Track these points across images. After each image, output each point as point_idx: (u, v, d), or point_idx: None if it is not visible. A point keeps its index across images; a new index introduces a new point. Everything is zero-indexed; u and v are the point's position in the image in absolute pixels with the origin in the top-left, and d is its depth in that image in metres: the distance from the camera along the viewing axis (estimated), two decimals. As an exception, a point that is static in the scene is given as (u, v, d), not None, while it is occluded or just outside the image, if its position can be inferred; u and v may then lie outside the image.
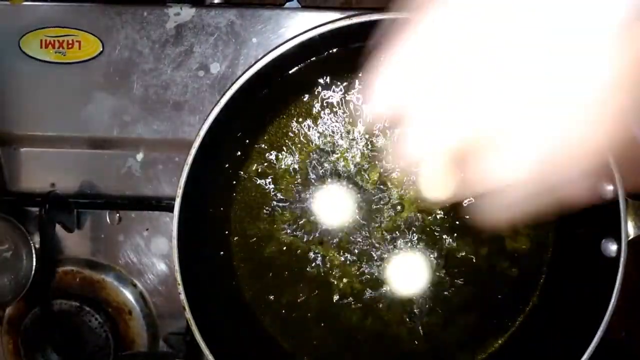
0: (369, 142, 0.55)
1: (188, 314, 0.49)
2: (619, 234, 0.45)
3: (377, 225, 0.55)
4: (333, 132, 0.55)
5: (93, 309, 0.60)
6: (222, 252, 0.56)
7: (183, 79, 0.58)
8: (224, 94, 0.47)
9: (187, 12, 0.58)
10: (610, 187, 0.46)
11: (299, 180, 0.55)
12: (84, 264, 0.62)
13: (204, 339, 0.49)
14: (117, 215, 0.61)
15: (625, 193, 0.45)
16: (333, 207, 0.55)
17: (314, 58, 0.51)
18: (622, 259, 0.45)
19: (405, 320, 0.55)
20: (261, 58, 0.47)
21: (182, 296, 0.48)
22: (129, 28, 0.58)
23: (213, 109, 0.47)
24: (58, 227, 0.59)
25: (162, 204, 0.59)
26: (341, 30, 0.45)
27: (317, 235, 0.55)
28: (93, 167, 0.61)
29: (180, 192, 0.48)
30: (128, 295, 0.62)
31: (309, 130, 0.55)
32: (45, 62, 0.59)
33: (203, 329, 0.49)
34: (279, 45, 0.47)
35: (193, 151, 0.47)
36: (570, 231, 0.52)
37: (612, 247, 0.46)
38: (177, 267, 0.48)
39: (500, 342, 0.54)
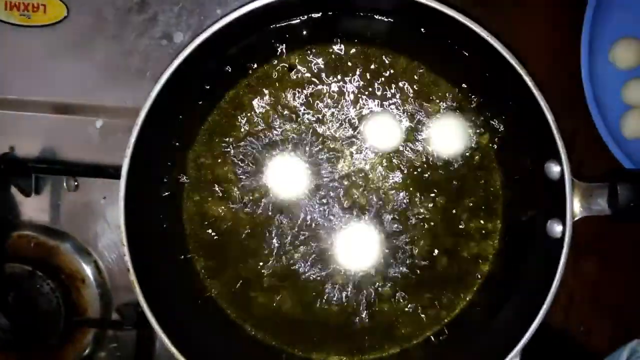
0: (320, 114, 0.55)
1: (132, 276, 0.48)
2: (564, 215, 0.45)
3: (331, 197, 0.55)
4: (292, 102, 0.55)
5: (46, 274, 0.60)
6: (174, 222, 0.55)
7: (146, 47, 0.58)
8: (177, 56, 0.47)
9: (154, -19, 0.58)
10: (557, 168, 0.46)
11: (254, 150, 0.55)
12: (39, 229, 0.61)
13: (147, 304, 0.48)
14: (74, 182, 0.61)
15: (571, 173, 0.45)
16: (287, 179, 0.55)
17: (269, 26, 0.51)
18: (566, 240, 0.45)
19: (358, 296, 0.55)
20: (215, 22, 0.47)
21: (127, 258, 0.48)
22: (95, -7, 0.58)
23: (166, 70, 0.47)
24: (16, 192, 0.59)
25: (120, 172, 0.58)
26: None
27: (270, 208, 0.55)
28: (54, 132, 0.61)
29: (129, 152, 0.47)
30: (82, 263, 0.61)
31: (264, 99, 0.55)
32: (9, 24, 0.59)
33: (148, 294, 0.49)
34: (234, 10, 0.47)
35: (143, 113, 0.47)
36: (519, 213, 0.52)
37: (558, 228, 0.46)
38: (122, 228, 0.48)
39: (446, 320, 0.54)
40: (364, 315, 0.54)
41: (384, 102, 0.54)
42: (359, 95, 0.54)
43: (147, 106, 0.47)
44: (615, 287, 0.63)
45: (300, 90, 0.54)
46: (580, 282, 0.62)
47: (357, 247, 0.54)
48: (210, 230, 0.55)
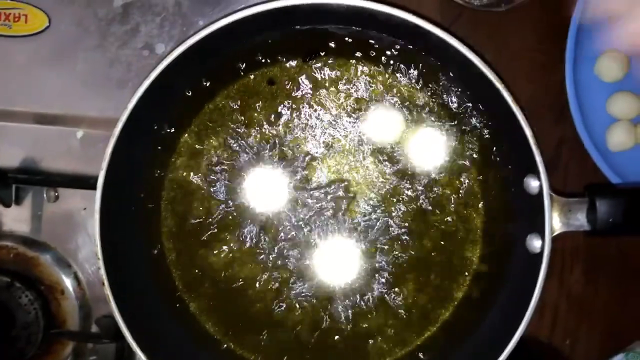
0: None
1: (107, 290, 0.48)
2: (544, 230, 0.45)
3: (312, 212, 0.54)
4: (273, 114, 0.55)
5: (25, 285, 0.59)
6: (152, 236, 0.55)
7: (128, 57, 0.58)
8: (155, 68, 0.46)
9: (136, -9, 0.58)
10: (536, 183, 0.46)
11: (233, 162, 0.55)
12: (19, 240, 0.61)
13: (123, 318, 0.48)
14: (55, 193, 0.60)
15: (550, 189, 0.45)
16: (267, 193, 0.54)
17: (248, 39, 0.51)
18: (545, 255, 0.45)
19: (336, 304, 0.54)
20: (194, 33, 0.47)
21: (102, 271, 0.48)
22: (76, 4, 0.58)
23: (143, 82, 0.47)
24: (-4, 202, 0.59)
25: (100, 183, 0.58)
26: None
27: (250, 217, 0.55)
28: (34, 142, 0.60)
29: (104, 164, 0.47)
30: (62, 274, 0.61)
31: (248, 112, 0.55)
32: (-10, 34, 0.58)
33: (124, 308, 0.48)
34: (215, 21, 0.47)
35: (120, 124, 0.47)
36: (500, 226, 0.52)
37: (537, 243, 0.46)
38: (97, 242, 0.47)
39: (428, 334, 0.53)
40: (345, 332, 0.54)
41: (361, 116, 0.54)
42: (339, 110, 0.54)
43: (123, 119, 0.47)
44: (600, 299, 0.62)
45: (280, 103, 0.54)
46: (565, 295, 0.62)
47: (337, 263, 0.54)
48: (189, 244, 0.55)
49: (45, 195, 0.60)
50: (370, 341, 0.54)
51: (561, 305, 0.62)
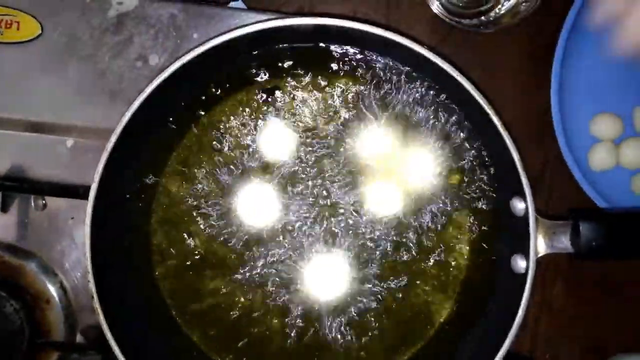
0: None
1: (96, 304, 0.48)
2: (528, 251, 0.46)
3: (303, 232, 0.55)
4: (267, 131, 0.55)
5: (9, 294, 0.59)
6: (142, 249, 0.55)
7: (120, 68, 0.58)
8: (153, 80, 0.47)
9: (130, 2, 0.58)
10: (522, 205, 0.47)
11: (226, 178, 0.55)
12: (5, 248, 0.60)
13: (111, 331, 0.48)
14: (42, 201, 0.60)
15: (535, 210, 0.46)
16: (260, 210, 0.55)
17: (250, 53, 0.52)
18: (529, 276, 0.46)
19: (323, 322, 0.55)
20: (192, 49, 0.47)
21: (91, 284, 0.48)
22: (70, 13, 0.57)
23: (138, 96, 0.47)
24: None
25: (89, 194, 0.58)
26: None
27: (243, 239, 0.55)
28: (23, 150, 0.60)
29: (97, 177, 0.47)
30: (47, 283, 0.60)
31: (238, 127, 0.55)
32: (-20, 40, 0.58)
33: (112, 320, 0.48)
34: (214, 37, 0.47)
35: (113, 138, 0.47)
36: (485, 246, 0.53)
37: (522, 264, 0.47)
38: (88, 254, 0.47)
39: (412, 352, 0.54)
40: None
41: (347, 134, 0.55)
42: (339, 128, 0.55)
43: (117, 132, 0.47)
44: (582, 315, 0.64)
45: (277, 117, 0.55)
46: (546, 309, 0.63)
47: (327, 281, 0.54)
48: (178, 258, 0.55)
49: (32, 203, 0.60)
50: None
51: (542, 319, 0.63)
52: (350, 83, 0.54)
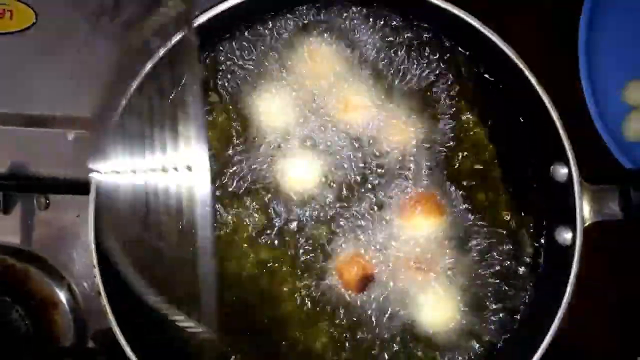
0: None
1: (104, 301, 0.44)
2: (574, 221, 0.42)
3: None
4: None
5: (14, 300, 0.55)
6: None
7: (119, 53, 0.55)
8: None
9: (128, -16, 0.55)
10: (564, 170, 0.43)
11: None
12: (9, 251, 0.57)
13: (121, 331, 0.44)
14: (45, 199, 0.56)
15: (580, 176, 0.42)
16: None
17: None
18: (577, 246, 0.42)
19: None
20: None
21: (98, 279, 0.44)
22: (65, -2, 0.55)
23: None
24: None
25: (95, 188, 0.54)
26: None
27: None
28: (23, 146, 0.57)
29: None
30: (55, 287, 0.57)
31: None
32: (-27, 31, 0.55)
33: (121, 320, 0.45)
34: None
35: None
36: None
37: (567, 235, 0.43)
38: (93, 248, 0.44)
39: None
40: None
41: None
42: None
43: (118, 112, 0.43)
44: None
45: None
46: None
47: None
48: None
49: (35, 202, 0.57)
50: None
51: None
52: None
